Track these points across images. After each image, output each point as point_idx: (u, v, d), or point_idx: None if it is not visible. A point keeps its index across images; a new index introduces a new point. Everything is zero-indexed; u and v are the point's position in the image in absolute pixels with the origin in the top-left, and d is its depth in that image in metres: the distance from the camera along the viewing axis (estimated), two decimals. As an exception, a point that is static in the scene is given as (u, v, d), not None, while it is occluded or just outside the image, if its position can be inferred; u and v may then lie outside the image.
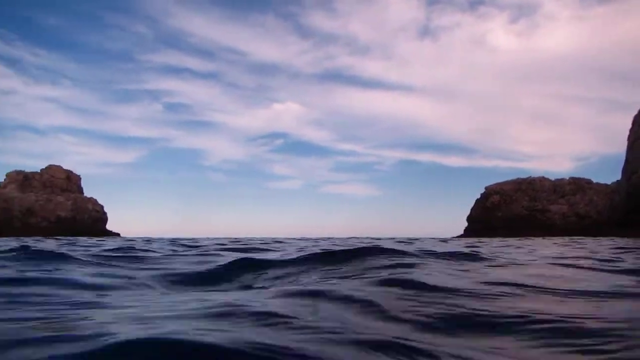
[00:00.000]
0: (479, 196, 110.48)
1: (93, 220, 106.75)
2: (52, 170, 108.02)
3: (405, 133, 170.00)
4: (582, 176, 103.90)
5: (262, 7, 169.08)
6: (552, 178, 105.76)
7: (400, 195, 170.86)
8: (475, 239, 40.61)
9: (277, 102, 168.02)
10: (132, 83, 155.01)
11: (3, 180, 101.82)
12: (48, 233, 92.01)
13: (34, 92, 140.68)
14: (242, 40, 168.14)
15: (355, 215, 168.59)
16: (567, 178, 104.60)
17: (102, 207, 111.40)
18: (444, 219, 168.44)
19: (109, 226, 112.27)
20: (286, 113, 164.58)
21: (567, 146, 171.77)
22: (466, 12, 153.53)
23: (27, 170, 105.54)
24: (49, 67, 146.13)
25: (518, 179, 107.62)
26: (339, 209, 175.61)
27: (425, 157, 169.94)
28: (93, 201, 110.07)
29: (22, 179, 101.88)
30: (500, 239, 42.51)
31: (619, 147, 73.12)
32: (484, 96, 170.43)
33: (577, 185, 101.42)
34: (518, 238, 47.95)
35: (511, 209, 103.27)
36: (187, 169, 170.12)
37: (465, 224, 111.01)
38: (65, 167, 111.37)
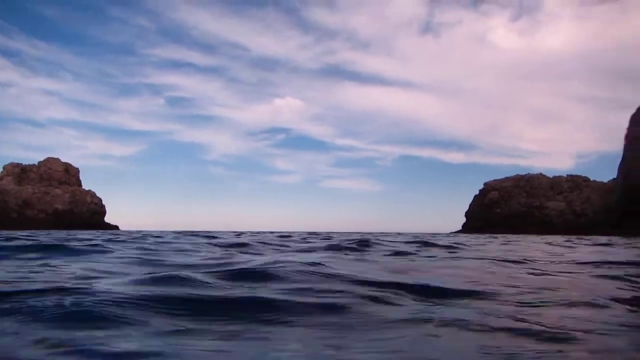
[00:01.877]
0: (477, 193, 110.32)
1: (91, 213, 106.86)
2: (49, 162, 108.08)
3: (406, 129, 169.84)
4: (583, 174, 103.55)
5: (263, 2, 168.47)
6: (552, 175, 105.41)
7: (400, 191, 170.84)
8: (466, 235, 39.89)
9: (278, 97, 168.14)
10: (134, 77, 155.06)
11: (0, 172, 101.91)
12: (45, 225, 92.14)
13: (33, 85, 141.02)
14: (243, 34, 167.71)
15: (355, 210, 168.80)
16: (565, 175, 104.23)
17: (100, 200, 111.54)
18: (443, 214, 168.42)
19: (108, 219, 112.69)
20: (287, 108, 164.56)
21: (569, 144, 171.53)
22: (468, 9, 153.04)
23: (26, 163, 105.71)
24: (48, 59, 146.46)
25: (517, 175, 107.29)
26: (339, 204, 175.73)
27: (425, 152, 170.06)
28: (91, 194, 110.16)
29: (19, 172, 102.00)
30: (489, 235, 42.25)
31: (620, 145, 72.73)
32: (485, 93, 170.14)
33: (575, 183, 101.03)
34: (517, 235, 47.69)
35: (509, 206, 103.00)
36: (188, 162, 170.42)
37: (464, 219, 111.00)
38: (64, 160, 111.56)
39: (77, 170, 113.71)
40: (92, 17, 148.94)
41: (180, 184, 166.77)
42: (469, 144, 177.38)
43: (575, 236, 41.74)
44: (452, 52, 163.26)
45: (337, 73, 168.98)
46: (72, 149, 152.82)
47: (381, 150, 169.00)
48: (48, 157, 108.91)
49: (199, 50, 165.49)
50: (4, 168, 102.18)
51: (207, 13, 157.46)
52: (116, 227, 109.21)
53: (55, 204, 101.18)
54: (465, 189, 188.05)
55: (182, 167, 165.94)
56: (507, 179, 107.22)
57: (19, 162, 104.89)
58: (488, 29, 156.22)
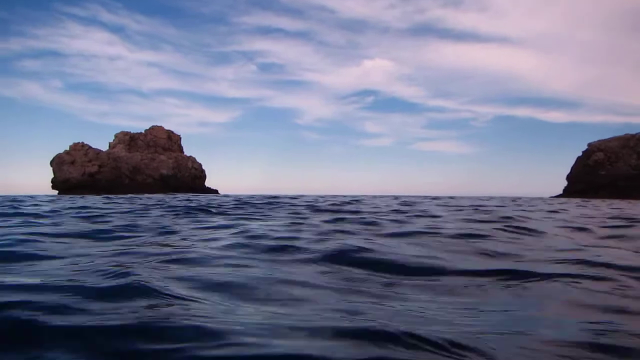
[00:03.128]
0: (580, 154, 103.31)
1: (192, 178, 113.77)
2: (154, 130, 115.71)
3: (502, 87, 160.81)
4: None
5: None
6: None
7: (495, 153, 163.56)
8: (566, 200, 37.77)
9: (367, 59, 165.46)
10: (227, 45, 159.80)
11: (112, 140, 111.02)
12: (152, 190, 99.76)
13: (137, 57, 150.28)
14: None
15: (447, 173, 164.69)
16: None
17: (200, 165, 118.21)
18: (542, 177, 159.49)
19: (207, 183, 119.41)
20: (376, 70, 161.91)
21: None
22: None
23: (133, 131, 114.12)
24: (150, 33, 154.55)
25: (626, 134, 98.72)
26: (431, 167, 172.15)
27: (523, 112, 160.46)
28: (192, 159, 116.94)
29: (129, 140, 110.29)
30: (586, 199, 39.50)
31: None
32: (589, 45, 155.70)
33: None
34: (626, 200, 44.44)
35: (617, 168, 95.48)
36: (282, 127, 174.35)
37: (565, 183, 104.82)
38: (167, 127, 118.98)
39: (179, 137, 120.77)
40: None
41: (273, 148, 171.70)
42: (570, 102, 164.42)
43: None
44: (552, 2, 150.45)
45: (428, 31, 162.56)
46: (173, 117, 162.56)
47: (475, 110, 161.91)
48: (153, 125, 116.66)
49: (287, 15, 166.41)
50: (115, 136, 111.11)
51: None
52: (216, 191, 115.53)
53: (161, 169, 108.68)
54: (566, 150, 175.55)
55: (276, 132, 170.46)
56: (614, 138, 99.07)
57: (128, 130, 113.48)
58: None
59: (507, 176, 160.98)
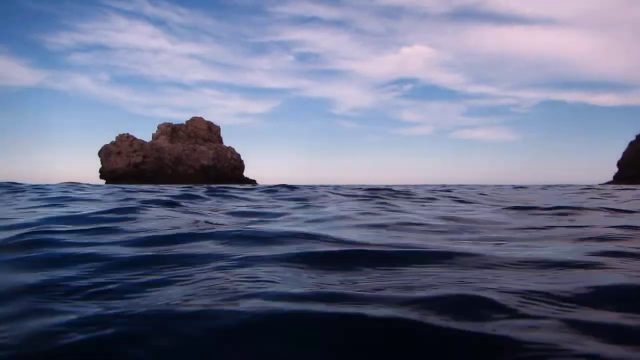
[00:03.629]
0: (633, 138, 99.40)
1: (232, 168, 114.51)
2: (195, 121, 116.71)
3: (548, 71, 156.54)
4: None
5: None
6: None
7: (540, 139, 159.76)
8: (616, 186, 36.20)
9: (405, 46, 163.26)
10: (265, 35, 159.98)
11: (155, 131, 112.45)
12: (193, 180, 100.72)
13: (179, 50, 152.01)
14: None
15: (490, 162, 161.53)
16: None
17: (239, 155, 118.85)
18: (591, 164, 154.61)
19: (246, 173, 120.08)
20: (415, 57, 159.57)
21: None
22: None
23: (175, 122, 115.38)
24: (191, 25, 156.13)
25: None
26: (472, 155, 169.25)
27: (571, 96, 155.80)
28: (231, 150, 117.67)
29: (171, 131, 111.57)
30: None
31: None
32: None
33: None
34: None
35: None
36: (318, 117, 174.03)
37: (616, 169, 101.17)
38: (207, 118, 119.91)
39: (218, 128, 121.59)
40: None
41: (311, 138, 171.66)
42: (622, 84, 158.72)
43: None
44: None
45: (468, 15, 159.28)
46: (213, 108, 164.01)
47: (519, 96, 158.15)
48: (193, 117, 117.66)
49: (324, 3, 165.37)
50: (158, 127, 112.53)
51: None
52: (254, 182, 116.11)
53: (201, 159, 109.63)
54: (618, 135, 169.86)
55: (312, 122, 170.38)
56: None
57: (170, 121, 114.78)
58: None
59: (554, 163, 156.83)
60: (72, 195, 10.73)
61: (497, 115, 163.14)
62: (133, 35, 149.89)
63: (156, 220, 4.98)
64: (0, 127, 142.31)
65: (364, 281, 2.01)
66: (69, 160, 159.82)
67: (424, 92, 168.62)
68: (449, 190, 18.68)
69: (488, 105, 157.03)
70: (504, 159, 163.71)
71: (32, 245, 2.97)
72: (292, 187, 18.82)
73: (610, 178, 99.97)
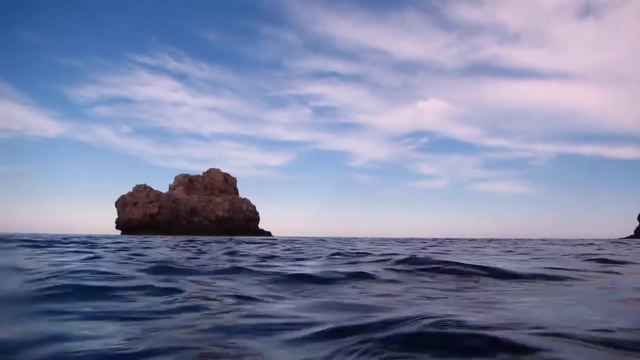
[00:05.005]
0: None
1: (247, 220, 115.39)
2: (212, 173, 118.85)
3: (563, 124, 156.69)
4: None
5: (402, 4, 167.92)
6: None
7: (557, 192, 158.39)
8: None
9: (421, 100, 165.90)
10: (283, 89, 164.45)
11: (172, 182, 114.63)
12: (208, 231, 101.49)
13: (199, 103, 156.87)
14: (384, 39, 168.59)
15: (507, 215, 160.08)
16: None
17: (254, 207, 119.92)
18: (610, 218, 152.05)
19: (261, 225, 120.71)
20: (430, 110, 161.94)
21: None
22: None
23: (192, 173, 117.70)
24: (211, 79, 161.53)
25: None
26: (488, 208, 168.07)
27: (587, 149, 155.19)
28: (247, 201, 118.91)
29: (188, 182, 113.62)
30: None
31: None
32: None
33: None
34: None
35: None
36: (335, 170, 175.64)
37: (637, 223, 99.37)
38: (224, 170, 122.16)
39: (234, 180, 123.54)
40: (246, 37, 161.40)
41: (327, 191, 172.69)
42: (638, 136, 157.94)
43: None
44: (616, 34, 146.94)
45: (484, 70, 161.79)
46: (230, 160, 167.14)
47: (535, 149, 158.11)
48: (210, 168, 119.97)
49: (342, 59, 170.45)
50: (175, 179, 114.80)
51: (348, 22, 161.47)
52: (269, 233, 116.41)
53: (216, 211, 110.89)
54: (636, 188, 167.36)
55: (328, 175, 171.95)
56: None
57: (187, 173, 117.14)
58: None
59: (572, 217, 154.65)
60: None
61: (513, 168, 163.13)
62: (155, 89, 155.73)
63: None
64: (23, 177, 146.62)
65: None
66: (87, 210, 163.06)
67: (439, 145, 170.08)
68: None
69: (504, 158, 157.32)
70: (521, 212, 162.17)
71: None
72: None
73: (631, 232, 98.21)
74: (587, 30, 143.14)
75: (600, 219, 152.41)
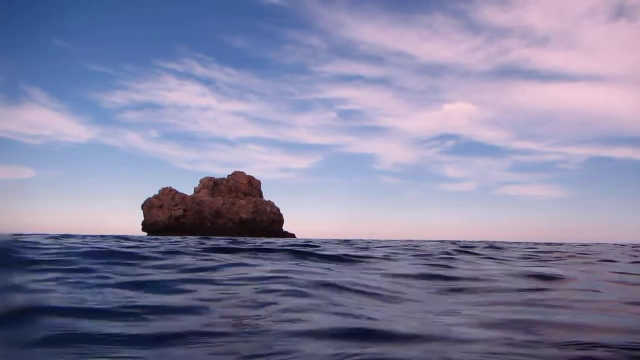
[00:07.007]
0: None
1: (270, 222, 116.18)
2: (236, 176, 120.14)
3: (595, 127, 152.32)
4: None
5: (429, 7, 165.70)
6: None
7: (589, 196, 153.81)
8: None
9: (447, 103, 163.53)
10: (308, 93, 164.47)
11: (197, 185, 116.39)
12: (232, 233, 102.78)
13: (225, 108, 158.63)
14: (410, 43, 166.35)
15: (536, 218, 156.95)
16: None
17: (278, 209, 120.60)
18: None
19: (285, 227, 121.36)
20: (457, 113, 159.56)
21: None
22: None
23: (217, 177, 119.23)
24: (237, 84, 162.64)
25: None
26: (517, 212, 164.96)
27: (620, 152, 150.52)
28: (271, 204, 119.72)
29: (212, 185, 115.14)
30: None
31: None
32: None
33: None
34: None
35: None
36: (360, 173, 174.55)
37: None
38: (249, 173, 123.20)
39: (258, 183, 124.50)
40: (272, 42, 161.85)
41: (351, 194, 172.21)
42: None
43: None
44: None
45: (512, 73, 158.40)
46: (256, 163, 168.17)
47: (565, 152, 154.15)
48: (235, 171, 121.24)
49: (367, 62, 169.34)
50: (200, 181, 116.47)
51: (374, 26, 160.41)
52: (293, 235, 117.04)
53: (240, 213, 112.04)
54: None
55: (353, 178, 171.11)
56: None
57: (212, 176, 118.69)
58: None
59: (604, 221, 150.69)
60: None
61: (544, 172, 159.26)
62: (183, 94, 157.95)
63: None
64: (56, 182, 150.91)
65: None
66: (116, 212, 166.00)
67: (467, 148, 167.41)
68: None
69: (534, 162, 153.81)
70: (550, 215, 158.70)
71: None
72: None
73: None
74: (620, 31, 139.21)
75: (636, 223, 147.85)
